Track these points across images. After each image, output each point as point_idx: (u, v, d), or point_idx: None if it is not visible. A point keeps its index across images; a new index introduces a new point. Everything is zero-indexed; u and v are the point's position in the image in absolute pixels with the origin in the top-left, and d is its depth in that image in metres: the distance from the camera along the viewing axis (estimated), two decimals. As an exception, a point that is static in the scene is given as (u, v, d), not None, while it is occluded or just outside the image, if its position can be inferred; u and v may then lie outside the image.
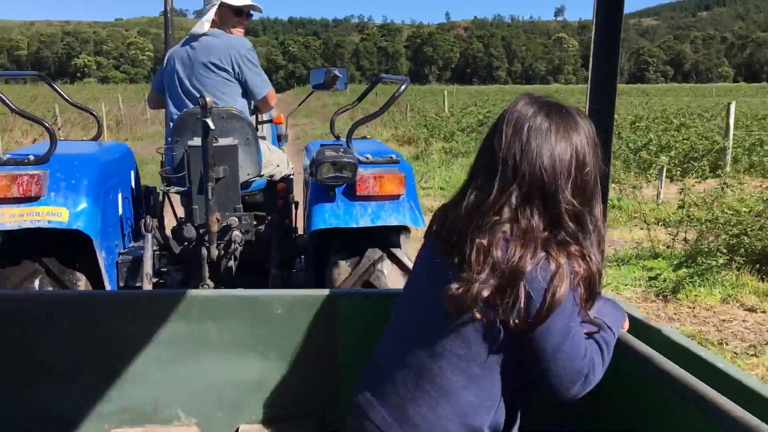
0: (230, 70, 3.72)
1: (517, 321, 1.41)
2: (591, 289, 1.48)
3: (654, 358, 1.62)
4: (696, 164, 11.46)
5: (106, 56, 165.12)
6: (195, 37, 3.76)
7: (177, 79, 3.72)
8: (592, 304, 1.53)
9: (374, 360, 1.69)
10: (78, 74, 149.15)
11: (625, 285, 5.91)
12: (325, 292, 2.19)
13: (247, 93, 3.82)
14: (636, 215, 8.22)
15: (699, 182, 9.57)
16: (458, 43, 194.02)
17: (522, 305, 1.40)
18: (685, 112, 22.95)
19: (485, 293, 1.41)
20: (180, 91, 3.71)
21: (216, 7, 3.76)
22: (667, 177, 11.40)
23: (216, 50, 3.68)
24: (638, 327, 1.83)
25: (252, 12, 3.96)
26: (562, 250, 1.44)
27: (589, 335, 1.57)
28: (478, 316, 1.43)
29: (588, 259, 1.47)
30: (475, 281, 1.41)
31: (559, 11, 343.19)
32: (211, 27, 3.77)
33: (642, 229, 7.31)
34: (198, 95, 3.44)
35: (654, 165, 11.93)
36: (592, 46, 1.95)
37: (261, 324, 2.15)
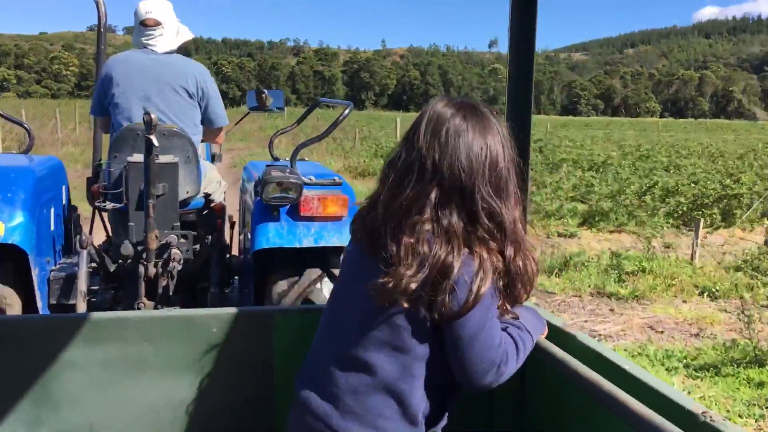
0: (197, 96, 3.73)
1: (441, 311, 1.49)
2: (510, 282, 1.57)
3: (569, 362, 1.71)
4: (706, 211, 9.60)
5: (27, 70, 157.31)
6: (147, 54, 3.70)
7: (127, 94, 3.60)
8: (513, 299, 1.62)
9: (311, 354, 1.75)
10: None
11: (737, 413, 4.04)
12: (261, 308, 2.30)
13: (203, 120, 3.83)
14: (673, 282, 6.81)
15: (710, 233, 8.84)
16: (395, 69, 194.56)
17: (446, 298, 1.48)
18: (667, 149, 21.66)
19: (413, 286, 1.48)
20: (132, 107, 3.58)
21: (186, 38, 3.84)
22: (672, 226, 9.52)
23: (185, 74, 3.69)
24: (558, 333, 1.91)
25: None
26: (483, 246, 1.52)
27: (506, 331, 1.64)
28: (405, 305, 1.49)
29: (505, 255, 1.54)
30: (403, 276, 1.48)
31: (492, 43, 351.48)
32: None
33: (685, 301, 6.36)
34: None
35: (657, 211, 9.97)
36: (507, 78, 2.06)
37: (197, 343, 2.13)
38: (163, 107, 3.58)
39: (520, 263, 1.57)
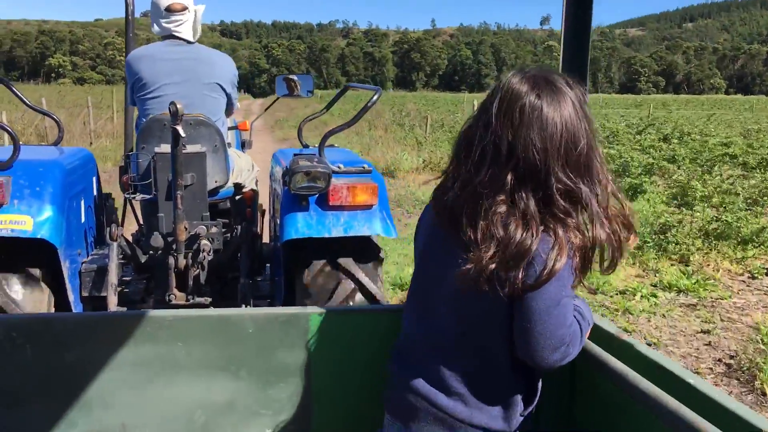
0: (226, 90, 3.75)
1: (516, 285, 1.49)
2: (585, 258, 1.54)
3: (622, 370, 1.66)
4: None
5: (82, 56, 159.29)
6: (174, 45, 3.65)
7: (163, 87, 3.59)
8: (586, 273, 1.59)
9: (405, 333, 1.80)
10: (53, 74, 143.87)
11: None
12: (297, 309, 2.19)
13: (226, 108, 3.87)
14: None
15: None
16: (446, 49, 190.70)
17: (522, 273, 1.49)
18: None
19: (491, 267, 1.49)
20: (165, 100, 3.49)
21: (200, 23, 3.76)
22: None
23: (219, 69, 3.71)
24: (611, 340, 1.87)
25: None
26: (559, 223, 1.50)
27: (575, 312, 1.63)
28: (485, 288, 1.50)
29: (582, 231, 1.52)
30: (482, 259, 1.49)
31: (545, 20, 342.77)
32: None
33: None
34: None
35: None
36: (561, 51, 2.01)
37: (232, 343, 2.11)
38: (191, 101, 3.50)
39: (603, 235, 1.53)
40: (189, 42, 3.67)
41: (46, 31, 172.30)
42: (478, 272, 1.49)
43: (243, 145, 4.75)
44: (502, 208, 1.49)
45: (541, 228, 1.48)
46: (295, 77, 4.29)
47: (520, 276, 1.47)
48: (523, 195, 1.50)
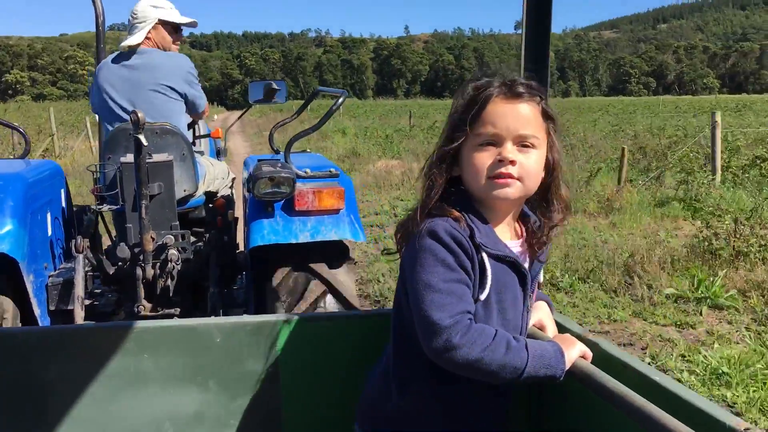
0: (179, 91, 3.76)
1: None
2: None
3: (586, 368, 1.62)
4: None
5: (41, 71, 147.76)
6: (128, 54, 3.76)
7: (111, 98, 3.69)
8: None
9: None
10: (9, 91, 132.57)
11: None
12: (265, 317, 2.19)
13: (188, 110, 3.91)
14: None
15: None
16: (426, 55, 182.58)
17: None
18: None
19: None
20: (118, 110, 3.68)
21: (152, 23, 3.78)
22: None
23: (164, 71, 3.71)
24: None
25: (183, 27, 4.05)
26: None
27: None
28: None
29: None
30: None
31: (518, 24, 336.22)
32: (144, 44, 3.79)
33: None
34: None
35: None
36: (522, 54, 2.01)
37: (199, 353, 2.11)
38: (149, 109, 3.55)
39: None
40: (139, 50, 3.74)
41: (2, 45, 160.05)
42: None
43: (218, 153, 4.82)
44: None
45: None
46: (273, 83, 4.28)
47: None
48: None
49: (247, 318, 2.19)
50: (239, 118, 5.23)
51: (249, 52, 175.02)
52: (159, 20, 3.72)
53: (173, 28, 3.84)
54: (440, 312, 1.49)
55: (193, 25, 3.96)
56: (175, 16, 3.80)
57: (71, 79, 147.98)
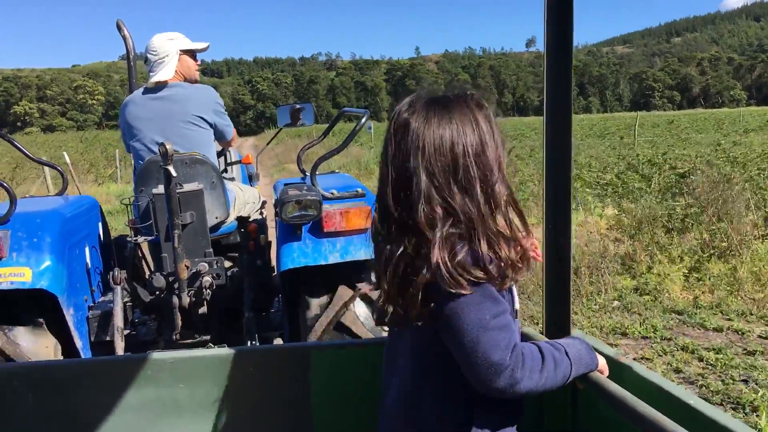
0: (209, 121, 3.83)
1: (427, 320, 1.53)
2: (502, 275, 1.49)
3: (622, 394, 1.59)
4: None
5: (50, 102, 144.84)
6: (155, 88, 3.80)
7: (142, 132, 3.74)
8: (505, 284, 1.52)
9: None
10: (18, 123, 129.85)
11: None
12: (297, 345, 2.26)
13: (217, 138, 3.99)
14: None
15: None
16: (441, 74, 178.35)
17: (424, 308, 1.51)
18: None
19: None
20: (150, 143, 3.71)
21: (175, 56, 3.85)
22: None
23: (194, 103, 3.78)
24: (611, 364, 1.81)
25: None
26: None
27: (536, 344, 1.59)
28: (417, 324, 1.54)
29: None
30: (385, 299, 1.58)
31: (530, 42, 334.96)
32: (174, 78, 3.86)
33: None
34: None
35: None
36: (545, 71, 1.92)
37: (233, 383, 2.12)
38: (181, 140, 3.65)
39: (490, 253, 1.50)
40: (167, 83, 3.80)
41: (10, 77, 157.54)
42: (383, 312, 1.53)
43: (251, 179, 4.93)
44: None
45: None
46: (299, 106, 4.44)
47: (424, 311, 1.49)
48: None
49: (279, 346, 2.33)
50: (268, 143, 5.62)
51: (261, 77, 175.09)
52: (179, 51, 3.83)
53: (191, 56, 3.95)
54: (500, 352, 1.46)
55: (205, 49, 4.06)
56: (190, 44, 3.92)
57: (81, 109, 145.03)
